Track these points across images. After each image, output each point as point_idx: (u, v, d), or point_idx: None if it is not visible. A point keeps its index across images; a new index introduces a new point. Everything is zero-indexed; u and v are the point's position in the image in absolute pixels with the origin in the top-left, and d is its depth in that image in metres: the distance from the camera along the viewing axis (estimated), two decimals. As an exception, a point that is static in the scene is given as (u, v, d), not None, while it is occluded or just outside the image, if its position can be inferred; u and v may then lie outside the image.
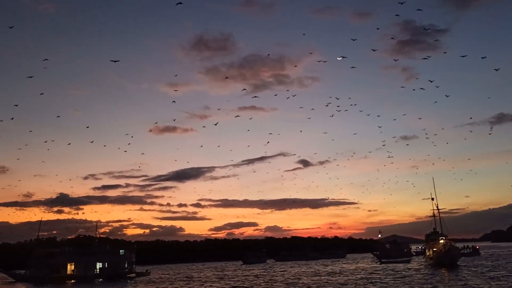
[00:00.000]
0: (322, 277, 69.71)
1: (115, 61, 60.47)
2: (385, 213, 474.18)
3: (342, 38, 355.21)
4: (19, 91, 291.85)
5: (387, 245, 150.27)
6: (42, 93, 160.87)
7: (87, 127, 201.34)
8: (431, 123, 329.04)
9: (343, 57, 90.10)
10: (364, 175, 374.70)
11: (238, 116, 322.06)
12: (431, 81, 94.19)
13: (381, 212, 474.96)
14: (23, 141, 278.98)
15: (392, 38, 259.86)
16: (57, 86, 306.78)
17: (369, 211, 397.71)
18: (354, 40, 78.46)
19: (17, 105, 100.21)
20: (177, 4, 50.87)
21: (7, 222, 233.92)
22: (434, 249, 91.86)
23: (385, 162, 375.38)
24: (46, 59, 64.51)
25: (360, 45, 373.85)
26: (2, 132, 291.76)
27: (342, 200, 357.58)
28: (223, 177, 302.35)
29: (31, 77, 70.54)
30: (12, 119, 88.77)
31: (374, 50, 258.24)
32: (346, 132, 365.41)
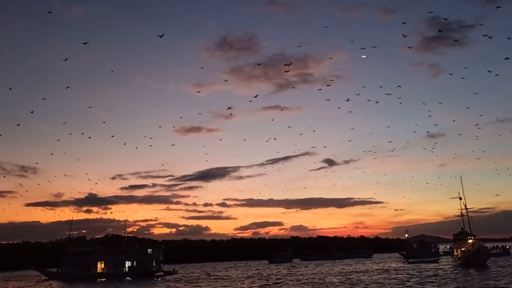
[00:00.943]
0: (350, 277, 69.73)
1: (161, 36, 60.06)
2: (412, 212, 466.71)
3: (369, 35, 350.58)
4: (49, 92, 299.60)
5: (415, 244, 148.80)
6: (68, 87, 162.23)
7: (104, 122, 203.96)
8: (459, 121, 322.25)
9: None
10: (390, 174, 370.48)
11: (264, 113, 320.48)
12: (463, 78, 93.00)
13: (408, 211, 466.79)
14: (52, 143, 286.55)
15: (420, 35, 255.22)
16: (86, 87, 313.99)
17: (396, 210, 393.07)
18: (374, 47, 78.75)
19: (45, 99, 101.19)
20: None
21: (38, 222, 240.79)
22: (462, 249, 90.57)
23: (412, 161, 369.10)
24: (87, 42, 64.66)
25: (386, 42, 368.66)
26: (33, 134, 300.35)
27: (368, 199, 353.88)
28: (248, 176, 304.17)
29: (66, 59, 71.71)
30: (32, 112, 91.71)
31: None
32: (371, 131, 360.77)
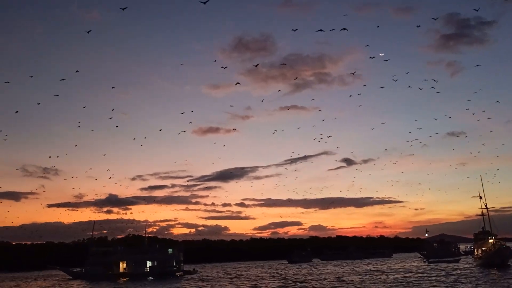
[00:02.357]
0: (371, 276, 69.87)
1: (204, 3, 59.08)
2: (432, 212, 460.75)
3: (385, 34, 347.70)
4: (69, 96, 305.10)
5: (435, 244, 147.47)
6: (77, 71, 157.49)
7: (110, 118, 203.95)
8: (479, 119, 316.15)
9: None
10: (410, 173, 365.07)
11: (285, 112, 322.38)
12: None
13: (428, 210, 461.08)
14: (73, 145, 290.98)
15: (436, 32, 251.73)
16: (105, 90, 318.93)
17: (416, 209, 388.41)
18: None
19: (63, 80, 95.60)
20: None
21: (61, 222, 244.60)
22: (483, 249, 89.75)
23: (432, 159, 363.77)
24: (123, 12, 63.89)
25: (403, 40, 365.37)
26: (54, 136, 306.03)
27: (388, 199, 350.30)
28: (267, 176, 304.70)
29: (89, 31, 71.81)
30: (38, 103, 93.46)
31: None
32: (390, 130, 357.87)
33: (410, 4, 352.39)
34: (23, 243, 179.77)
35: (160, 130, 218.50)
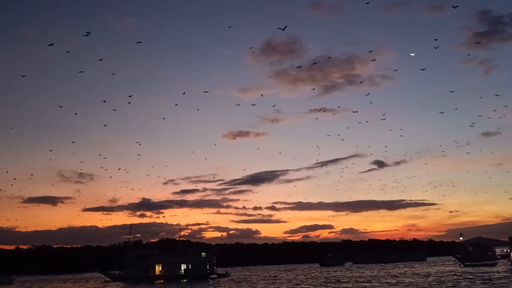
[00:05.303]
0: (407, 279, 70.33)
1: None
2: (468, 214, 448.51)
3: (415, 33, 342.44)
4: (102, 102, 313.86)
5: (470, 247, 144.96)
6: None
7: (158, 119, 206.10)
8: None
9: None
10: (444, 174, 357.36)
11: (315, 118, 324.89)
12: None
13: (463, 212, 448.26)
14: (108, 150, 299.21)
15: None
16: (138, 96, 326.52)
17: (450, 212, 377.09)
18: (435, 40, 77.81)
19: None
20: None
21: (95, 226, 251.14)
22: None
23: (467, 160, 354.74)
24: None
25: (434, 39, 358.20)
26: (90, 142, 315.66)
27: (421, 201, 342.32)
28: (297, 179, 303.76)
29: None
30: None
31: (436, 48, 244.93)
32: (423, 130, 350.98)
33: (441, 1, 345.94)
34: (64, 246, 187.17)
35: (176, 105, 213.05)
